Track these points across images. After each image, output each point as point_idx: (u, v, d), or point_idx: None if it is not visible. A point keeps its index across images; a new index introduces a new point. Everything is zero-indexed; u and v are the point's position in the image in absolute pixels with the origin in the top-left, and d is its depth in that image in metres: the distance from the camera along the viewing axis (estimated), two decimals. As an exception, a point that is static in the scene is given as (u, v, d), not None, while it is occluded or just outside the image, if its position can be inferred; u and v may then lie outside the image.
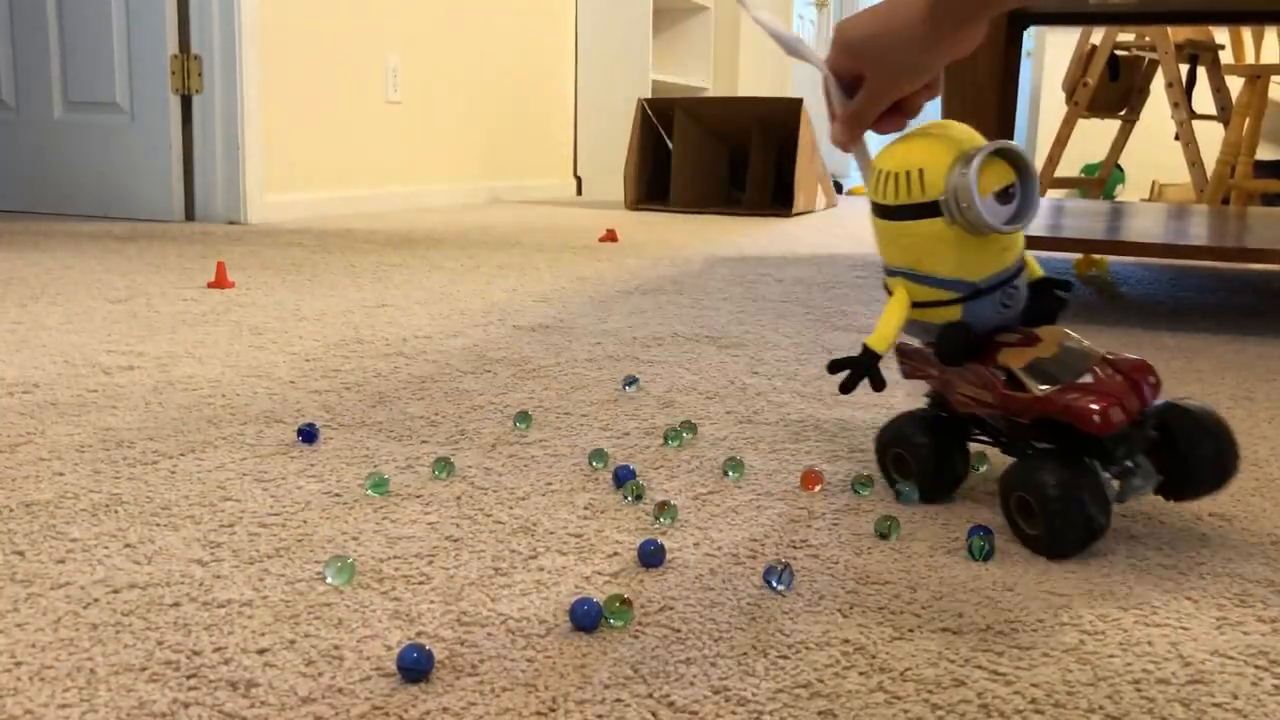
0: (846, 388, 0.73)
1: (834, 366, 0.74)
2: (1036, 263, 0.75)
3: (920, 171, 0.68)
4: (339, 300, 1.59)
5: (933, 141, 0.69)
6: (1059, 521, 0.65)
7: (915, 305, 0.73)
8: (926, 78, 0.72)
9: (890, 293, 0.74)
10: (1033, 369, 0.69)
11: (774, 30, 0.74)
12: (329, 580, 0.60)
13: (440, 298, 1.64)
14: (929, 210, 0.69)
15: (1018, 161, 0.69)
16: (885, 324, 0.73)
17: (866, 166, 0.75)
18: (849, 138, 0.75)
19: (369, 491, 0.75)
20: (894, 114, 0.74)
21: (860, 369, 0.72)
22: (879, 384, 0.73)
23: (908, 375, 0.78)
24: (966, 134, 0.70)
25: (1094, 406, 0.65)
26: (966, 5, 0.68)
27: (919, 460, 0.75)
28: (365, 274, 1.89)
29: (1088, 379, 0.67)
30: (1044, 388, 0.68)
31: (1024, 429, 0.71)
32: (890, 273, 0.74)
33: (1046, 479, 0.65)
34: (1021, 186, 0.69)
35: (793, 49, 0.75)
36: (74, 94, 2.89)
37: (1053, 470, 0.65)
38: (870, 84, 0.72)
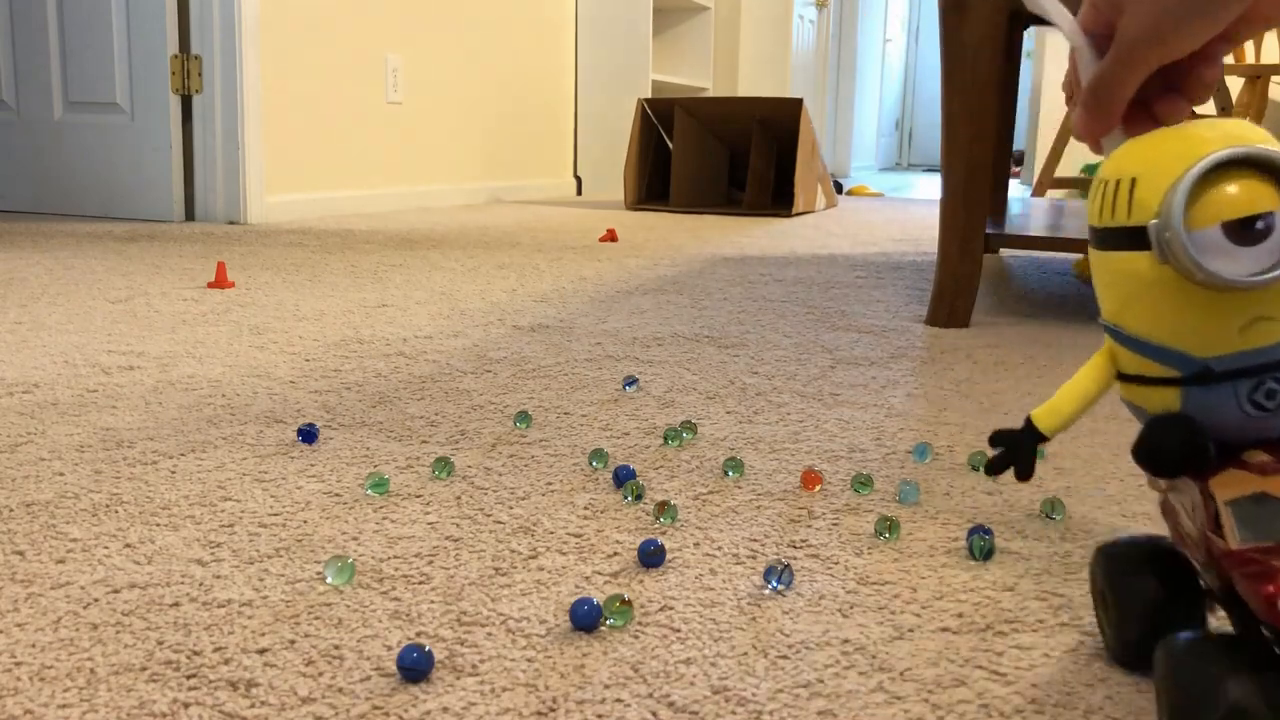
0: (991, 469, 0.52)
1: (996, 439, 0.52)
2: None
3: (1132, 182, 0.45)
4: (339, 300, 1.59)
5: (1170, 141, 0.45)
6: None
7: (1122, 378, 0.49)
8: (1203, 31, 0.47)
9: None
10: (1246, 507, 0.44)
11: None
12: (329, 580, 0.60)
13: (440, 298, 1.64)
14: (1136, 239, 0.45)
15: None
16: (1061, 395, 0.51)
17: None
18: (1093, 121, 0.50)
19: (369, 491, 0.75)
20: (1160, 99, 0.50)
21: (1015, 449, 0.52)
22: (1025, 472, 0.52)
23: (1149, 482, 0.52)
24: (1229, 133, 0.44)
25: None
26: None
27: (1119, 603, 0.52)
28: (365, 274, 1.89)
29: None
30: (1247, 540, 0.44)
31: (1227, 590, 0.46)
32: (1103, 326, 0.50)
33: (1202, 689, 0.42)
34: None
35: (1041, 7, 0.51)
36: (74, 94, 2.89)
37: (1217, 675, 0.41)
38: (1121, 37, 0.48)
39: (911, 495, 0.76)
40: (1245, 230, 0.42)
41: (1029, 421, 0.52)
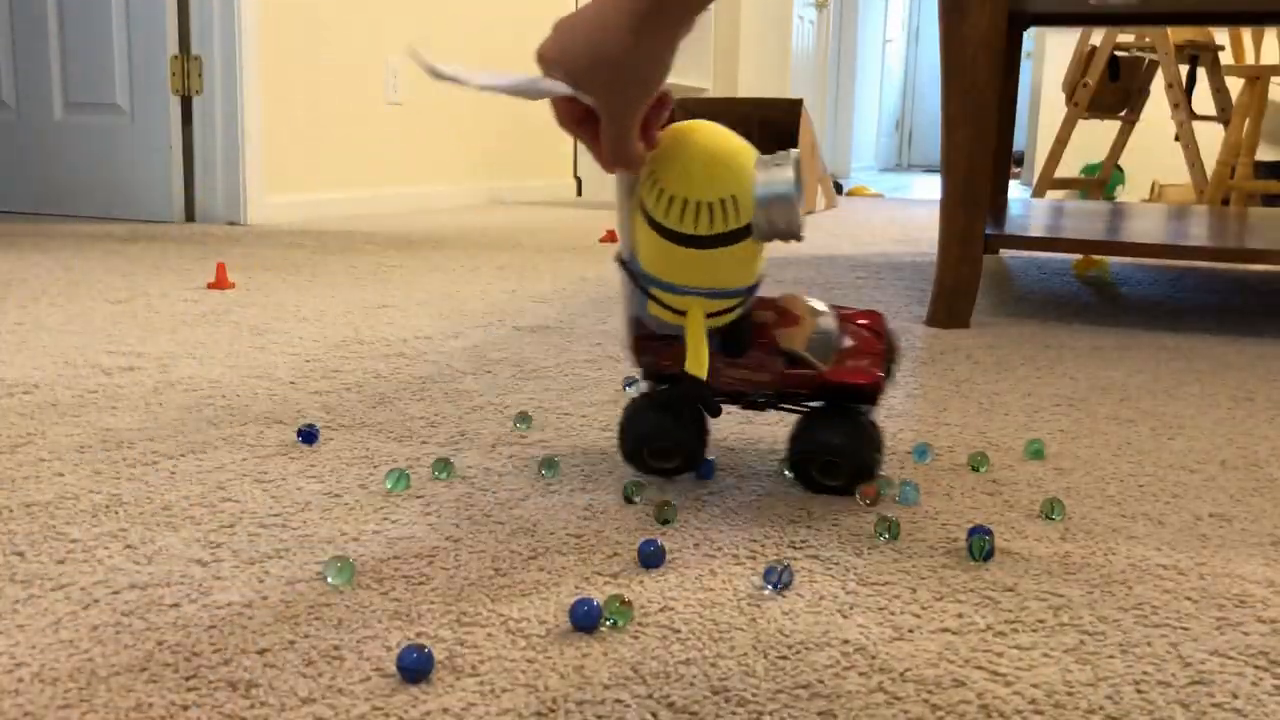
0: (679, 422, 0.77)
1: (667, 403, 0.77)
2: None
3: (734, 199, 0.69)
4: (339, 301, 1.59)
5: (727, 162, 0.69)
6: (864, 460, 0.76)
7: (709, 315, 0.74)
8: (647, 97, 0.68)
9: (681, 311, 0.73)
10: (812, 345, 0.75)
11: (508, 84, 0.68)
12: (329, 581, 0.60)
13: (440, 298, 1.64)
14: (744, 234, 0.70)
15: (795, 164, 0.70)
16: (698, 348, 0.72)
17: (633, 192, 0.73)
18: (626, 169, 0.71)
19: (388, 487, 0.75)
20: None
21: (695, 397, 0.72)
22: (716, 410, 0.74)
23: (649, 369, 0.80)
24: (734, 144, 0.70)
25: (872, 367, 0.76)
26: (674, 8, 0.64)
27: (681, 440, 0.78)
28: (365, 275, 1.89)
29: (850, 343, 0.76)
30: (827, 361, 0.75)
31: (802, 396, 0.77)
32: (679, 291, 0.72)
33: (843, 436, 0.75)
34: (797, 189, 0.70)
35: (535, 90, 0.68)
36: (74, 95, 2.89)
37: (849, 426, 0.76)
38: (608, 114, 0.67)
39: (911, 496, 0.76)
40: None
41: (691, 376, 0.71)
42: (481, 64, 3.78)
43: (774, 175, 0.69)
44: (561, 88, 0.67)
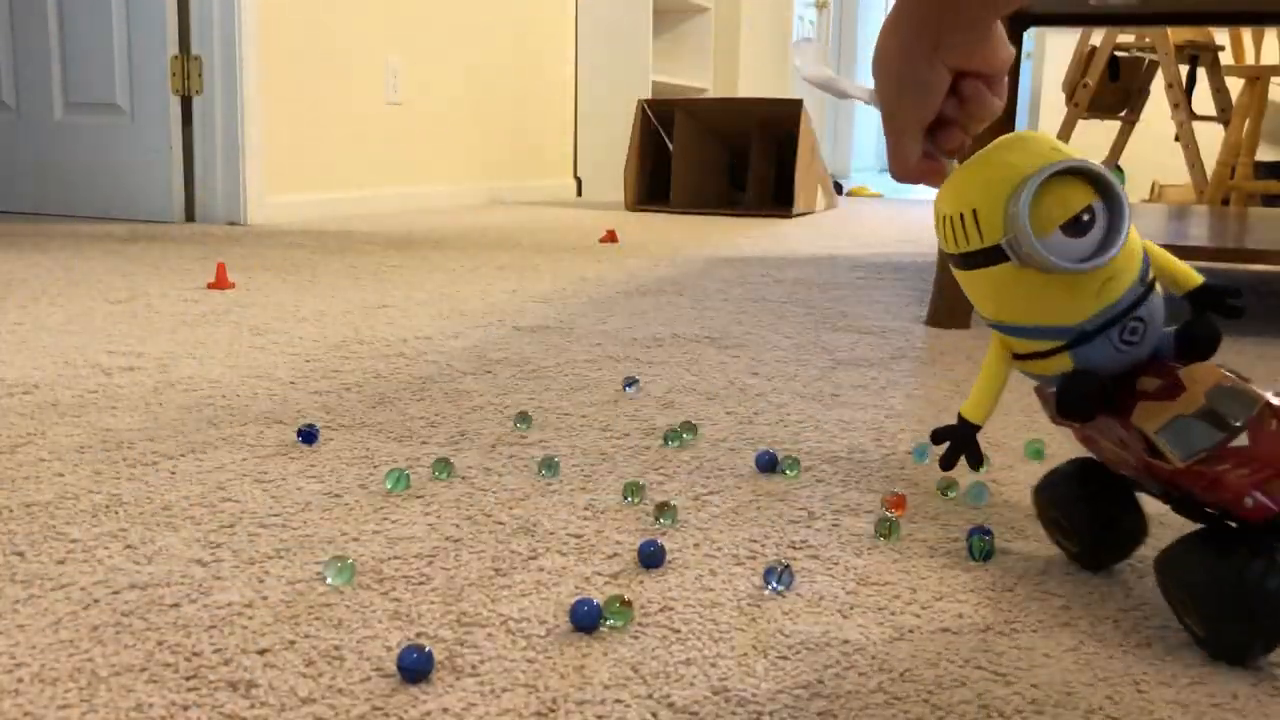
0: (946, 464, 0.62)
1: (937, 437, 0.62)
2: (1190, 270, 0.60)
3: (974, 212, 0.56)
4: (339, 301, 1.59)
5: (988, 171, 0.56)
6: (1221, 625, 0.53)
7: (1019, 358, 0.60)
8: (925, 96, 0.61)
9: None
10: (1170, 431, 0.55)
11: (812, 75, 0.65)
12: (329, 581, 0.60)
13: (440, 298, 1.64)
14: (995, 255, 0.56)
15: (1095, 179, 0.55)
16: (980, 388, 0.61)
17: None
18: (906, 177, 0.65)
19: (388, 487, 0.75)
20: (939, 131, 0.63)
21: (959, 442, 0.61)
22: (976, 460, 0.61)
23: (1057, 421, 0.64)
24: (1032, 153, 0.56)
25: (1247, 484, 0.52)
26: (922, 9, 0.60)
27: (1075, 522, 0.64)
28: (365, 275, 1.89)
29: (1243, 442, 0.53)
30: (1183, 457, 0.54)
31: (1182, 497, 0.57)
32: (989, 325, 0.61)
33: (1199, 574, 0.54)
34: (1105, 209, 0.55)
35: (832, 88, 0.65)
36: (74, 95, 2.89)
37: (1207, 560, 0.53)
38: (885, 122, 0.63)
39: (982, 496, 0.77)
40: (1076, 225, 0.54)
41: (961, 417, 0.61)
42: (489, 63, 3.79)
43: (1021, 189, 0.54)
44: (853, 88, 0.65)
